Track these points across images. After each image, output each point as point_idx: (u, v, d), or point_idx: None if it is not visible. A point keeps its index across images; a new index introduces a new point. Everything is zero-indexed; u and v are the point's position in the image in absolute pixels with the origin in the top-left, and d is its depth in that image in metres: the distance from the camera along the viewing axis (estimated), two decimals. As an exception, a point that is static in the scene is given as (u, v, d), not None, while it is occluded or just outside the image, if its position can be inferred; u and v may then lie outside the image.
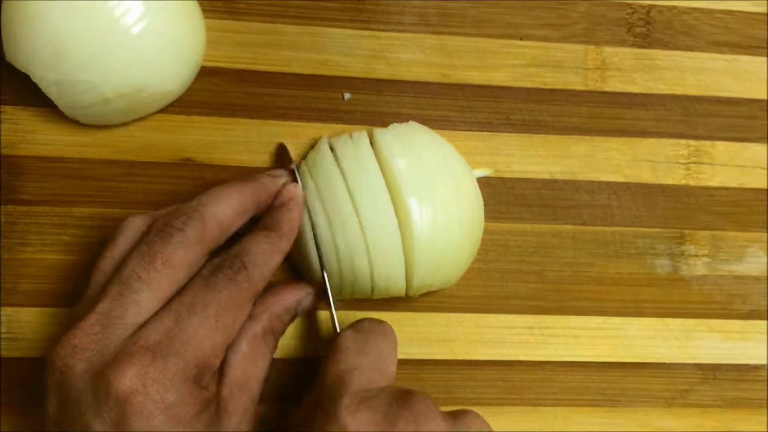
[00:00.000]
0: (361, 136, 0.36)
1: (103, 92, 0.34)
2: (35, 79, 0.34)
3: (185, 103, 0.38)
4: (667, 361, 0.39)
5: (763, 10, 0.43)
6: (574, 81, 0.41)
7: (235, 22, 0.39)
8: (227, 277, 0.30)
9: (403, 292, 0.35)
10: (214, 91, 0.38)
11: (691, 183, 0.41)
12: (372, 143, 0.36)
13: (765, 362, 0.40)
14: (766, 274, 0.41)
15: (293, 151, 0.38)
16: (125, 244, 0.31)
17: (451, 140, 0.40)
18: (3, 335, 0.35)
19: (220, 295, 0.29)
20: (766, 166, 0.42)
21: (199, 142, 0.38)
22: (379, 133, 0.36)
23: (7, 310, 0.36)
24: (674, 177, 0.41)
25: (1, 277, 0.36)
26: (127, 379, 0.27)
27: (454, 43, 0.41)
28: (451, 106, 0.40)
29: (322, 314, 0.37)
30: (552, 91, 0.41)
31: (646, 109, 0.42)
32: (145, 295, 0.29)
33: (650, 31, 0.42)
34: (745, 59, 0.43)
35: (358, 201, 0.34)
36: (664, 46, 0.42)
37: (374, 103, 0.40)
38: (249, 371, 0.31)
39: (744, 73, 0.43)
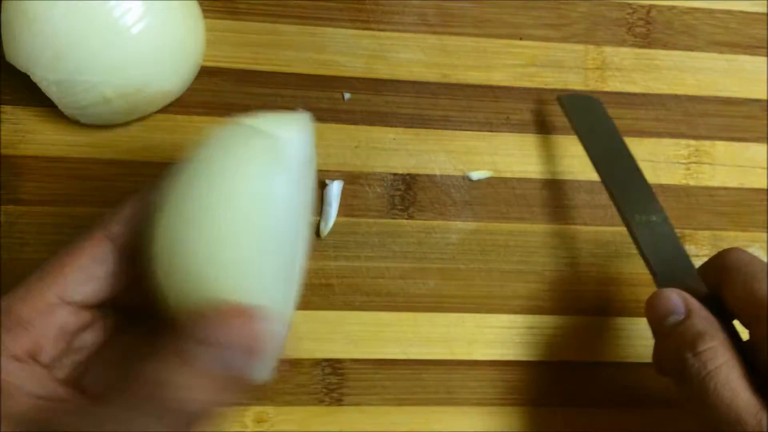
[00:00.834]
0: None
1: (103, 92, 0.34)
2: (35, 79, 0.34)
3: (185, 103, 0.38)
4: (667, 361, 0.39)
5: (763, 10, 0.43)
6: (574, 81, 0.41)
7: (235, 22, 0.39)
8: None
9: None
10: (214, 91, 0.38)
11: (691, 183, 0.41)
12: None
13: (765, 362, 0.40)
14: (766, 274, 0.41)
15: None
16: None
17: (451, 140, 0.40)
18: (3, 335, 0.35)
19: None
20: (766, 166, 0.42)
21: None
22: None
23: (7, 310, 0.36)
24: (674, 177, 0.41)
25: (1, 277, 0.36)
26: None
27: (454, 43, 0.41)
28: (451, 106, 0.40)
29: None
30: (552, 91, 0.41)
31: (646, 109, 0.42)
32: None
33: (650, 31, 0.42)
34: (745, 59, 0.43)
35: None
36: (664, 46, 0.42)
37: (374, 103, 0.40)
38: None
39: (744, 73, 0.43)
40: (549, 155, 0.40)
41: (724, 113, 0.42)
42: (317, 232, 0.38)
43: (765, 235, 0.41)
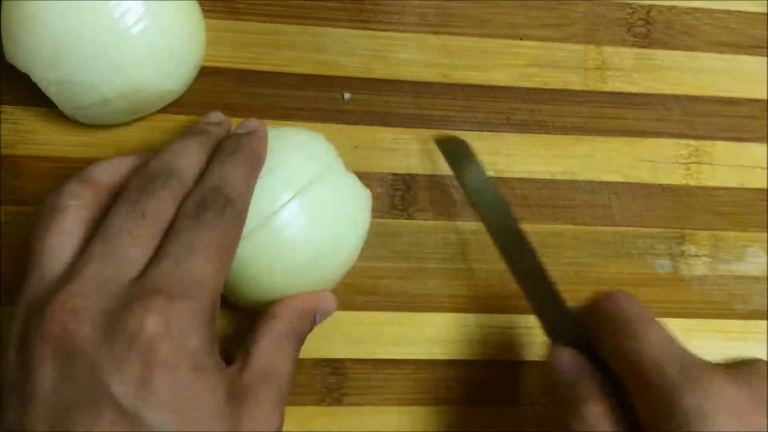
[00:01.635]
0: None
1: (103, 92, 0.34)
2: (35, 79, 0.34)
3: (185, 103, 0.38)
4: (667, 361, 0.39)
5: (763, 10, 0.43)
6: (574, 81, 0.41)
7: (235, 22, 0.39)
8: (217, 213, 0.28)
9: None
10: (214, 91, 0.38)
11: (691, 183, 0.41)
12: None
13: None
14: (766, 274, 0.41)
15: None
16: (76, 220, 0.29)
17: (451, 140, 0.40)
18: (3, 335, 0.35)
19: (217, 233, 0.27)
20: (766, 166, 0.42)
21: (199, 142, 0.38)
22: None
23: (8, 310, 0.36)
24: (674, 177, 0.41)
25: (1, 277, 0.36)
26: (149, 324, 0.24)
27: (454, 43, 0.41)
28: (451, 106, 0.40)
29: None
30: (552, 91, 0.41)
31: (646, 109, 0.42)
32: (136, 250, 0.27)
33: (650, 31, 0.42)
34: (745, 59, 0.43)
35: None
36: (664, 46, 0.42)
37: (374, 103, 0.40)
38: (274, 362, 0.29)
39: (744, 73, 0.43)
40: (549, 155, 0.40)
41: (724, 113, 0.42)
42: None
43: (765, 235, 0.41)
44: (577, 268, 0.39)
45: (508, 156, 0.40)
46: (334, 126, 0.39)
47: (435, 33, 0.41)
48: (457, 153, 0.35)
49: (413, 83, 0.40)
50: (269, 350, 0.30)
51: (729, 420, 0.25)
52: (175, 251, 0.27)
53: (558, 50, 0.41)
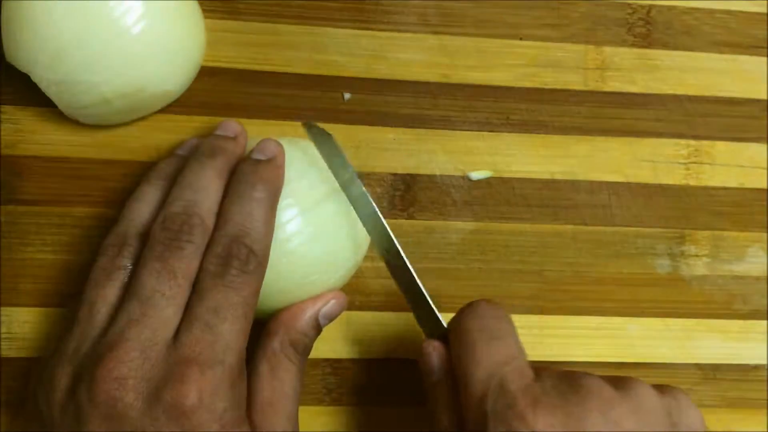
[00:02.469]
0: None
1: (103, 92, 0.34)
2: (35, 79, 0.34)
3: (185, 103, 0.38)
4: (667, 361, 0.39)
5: (763, 10, 0.43)
6: (574, 81, 0.41)
7: (235, 22, 0.39)
8: (240, 270, 0.30)
9: None
10: (214, 91, 0.38)
11: (691, 183, 0.41)
12: None
13: (765, 362, 0.40)
14: (766, 274, 0.41)
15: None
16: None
17: (451, 140, 0.40)
18: (3, 335, 0.35)
19: (242, 294, 0.30)
20: (766, 166, 0.42)
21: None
22: None
23: (7, 310, 0.36)
24: (674, 177, 0.41)
25: (1, 277, 0.36)
26: (187, 398, 0.27)
27: (454, 43, 0.41)
28: (451, 106, 0.40)
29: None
30: (552, 91, 0.41)
31: (646, 109, 0.42)
32: (170, 310, 0.29)
33: (650, 31, 0.42)
34: (745, 59, 0.43)
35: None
36: (664, 46, 0.42)
37: (374, 103, 0.40)
38: (276, 388, 0.31)
39: (744, 73, 0.43)
40: (549, 155, 0.40)
41: (724, 113, 0.42)
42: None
43: (765, 235, 0.41)
44: (577, 268, 0.39)
45: (508, 156, 0.40)
46: (334, 126, 0.39)
47: (435, 33, 0.41)
48: (325, 146, 0.35)
49: (413, 83, 0.40)
50: (269, 378, 0.31)
51: None
52: (206, 316, 0.29)
53: (558, 50, 0.41)
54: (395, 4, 0.41)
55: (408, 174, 0.39)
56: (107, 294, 0.30)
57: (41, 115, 0.37)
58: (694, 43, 0.43)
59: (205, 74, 0.38)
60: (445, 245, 0.39)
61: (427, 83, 0.40)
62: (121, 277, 0.30)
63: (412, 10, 0.41)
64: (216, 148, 0.33)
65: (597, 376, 0.29)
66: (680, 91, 0.42)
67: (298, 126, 0.39)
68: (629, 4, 0.43)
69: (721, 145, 0.42)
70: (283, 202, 0.33)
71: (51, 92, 0.34)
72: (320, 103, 0.39)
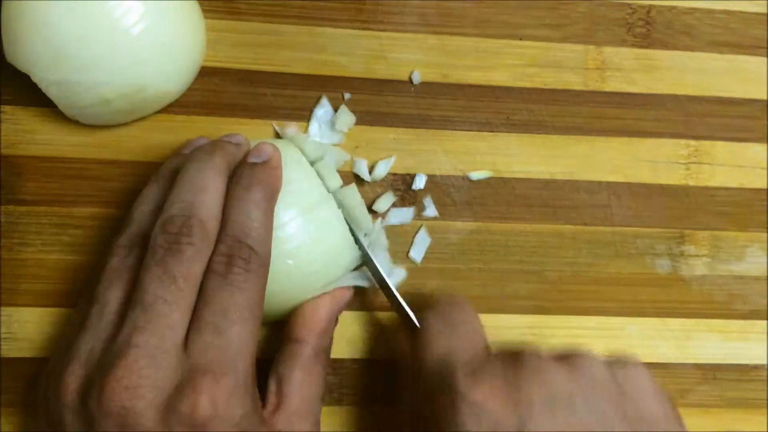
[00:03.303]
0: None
1: (103, 93, 0.34)
2: (35, 79, 0.34)
3: (185, 103, 0.38)
4: (667, 361, 0.39)
5: (763, 10, 0.43)
6: (574, 81, 0.41)
7: (235, 22, 0.39)
8: (244, 269, 0.30)
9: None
10: (214, 91, 0.38)
11: (691, 183, 0.41)
12: None
13: (765, 362, 0.40)
14: (766, 274, 0.41)
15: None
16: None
17: (450, 140, 0.40)
18: (3, 335, 0.35)
19: (247, 294, 0.30)
20: (766, 166, 0.42)
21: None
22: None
23: (7, 310, 0.36)
24: (674, 177, 0.41)
25: (1, 277, 0.36)
26: (200, 407, 0.27)
27: (454, 43, 0.41)
28: (451, 106, 0.40)
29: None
30: (552, 91, 0.41)
31: (646, 109, 0.42)
32: (175, 315, 0.29)
33: (650, 31, 0.42)
34: (745, 59, 0.43)
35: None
36: (664, 46, 0.42)
37: (374, 103, 0.40)
38: (306, 397, 0.32)
39: (744, 73, 0.43)
40: (549, 155, 0.40)
41: (724, 113, 0.42)
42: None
43: (765, 235, 0.41)
44: (577, 268, 0.39)
45: (508, 156, 0.40)
46: (334, 126, 0.39)
47: (435, 33, 0.41)
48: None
49: (413, 83, 0.40)
50: (302, 385, 0.32)
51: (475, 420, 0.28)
52: (214, 319, 0.29)
53: (558, 50, 0.41)
54: (395, 4, 0.41)
55: (408, 174, 0.39)
56: (118, 296, 0.30)
57: (41, 115, 0.37)
58: (694, 43, 0.43)
59: (205, 74, 0.38)
60: (445, 245, 0.39)
61: (427, 83, 0.40)
62: (130, 278, 0.30)
63: (412, 10, 0.41)
64: (215, 147, 0.33)
65: (543, 352, 0.30)
66: (680, 91, 0.42)
67: (298, 126, 0.39)
68: (629, 4, 0.43)
69: (721, 145, 0.42)
70: (283, 203, 0.33)
71: (51, 92, 0.34)
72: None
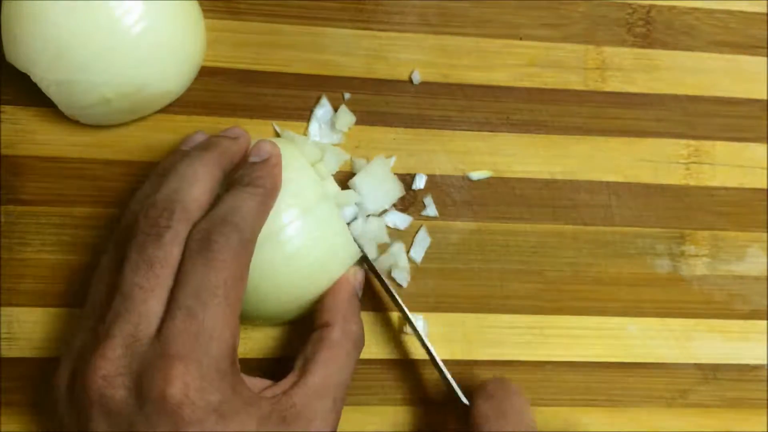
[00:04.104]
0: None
1: (103, 92, 0.34)
2: (35, 79, 0.34)
3: (185, 103, 0.38)
4: (667, 361, 0.39)
5: (763, 10, 0.43)
6: (574, 81, 0.41)
7: (235, 22, 0.39)
8: (222, 244, 0.29)
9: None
10: (214, 91, 0.38)
11: (691, 183, 0.41)
12: None
13: (765, 362, 0.40)
14: (766, 274, 0.41)
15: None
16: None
17: (450, 140, 0.40)
18: (3, 335, 0.35)
19: (223, 273, 0.29)
20: (766, 166, 0.42)
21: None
22: None
23: (7, 310, 0.36)
24: (674, 177, 0.41)
25: (1, 277, 0.36)
26: (171, 396, 0.27)
27: (454, 43, 0.41)
28: (451, 106, 0.40)
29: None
30: (552, 91, 0.41)
31: (646, 109, 0.42)
32: (152, 303, 0.28)
33: (650, 31, 0.42)
34: (745, 59, 0.43)
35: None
36: (664, 46, 0.42)
37: (374, 103, 0.40)
38: (328, 377, 0.31)
39: (744, 73, 0.43)
40: (549, 155, 0.40)
41: (724, 113, 0.42)
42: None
43: (765, 235, 0.41)
44: (577, 268, 0.39)
45: (508, 156, 0.40)
46: (334, 126, 0.39)
47: (435, 33, 0.41)
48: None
49: (413, 83, 0.40)
50: (326, 365, 0.31)
51: None
52: (186, 301, 0.28)
53: (558, 50, 0.41)
54: (395, 4, 0.41)
55: (408, 174, 0.39)
56: (102, 289, 0.30)
57: (41, 115, 0.37)
58: (694, 43, 0.43)
59: (205, 74, 0.38)
60: (445, 245, 0.39)
61: (427, 83, 0.40)
62: (115, 269, 0.30)
63: (412, 10, 0.41)
64: (210, 143, 0.33)
65: None
66: (680, 91, 0.42)
67: (298, 126, 0.39)
68: (629, 4, 0.43)
69: (721, 145, 0.42)
70: (284, 203, 0.33)
71: (51, 92, 0.34)
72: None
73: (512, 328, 0.38)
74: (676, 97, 0.42)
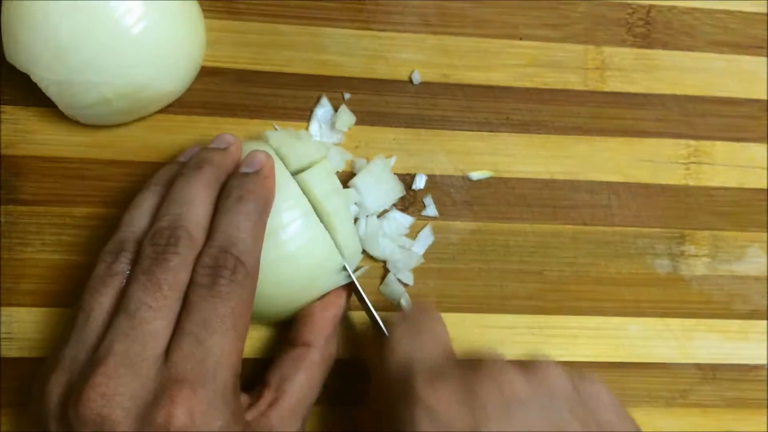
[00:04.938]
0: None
1: (103, 92, 0.34)
2: (35, 79, 0.34)
3: (185, 103, 0.38)
4: (667, 361, 0.39)
5: (763, 10, 0.43)
6: (574, 81, 0.41)
7: (235, 22, 0.39)
8: (229, 280, 0.29)
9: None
10: (214, 91, 0.38)
11: (691, 183, 0.41)
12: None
13: (765, 362, 0.40)
14: (766, 274, 0.41)
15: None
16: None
17: (450, 140, 0.40)
18: (3, 335, 0.35)
19: (230, 304, 0.29)
20: (766, 166, 0.42)
21: (199, 142, 0.38)
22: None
23: (7, 310, 0.36)
24: (674, 177, 0.41)
25: (1, 277, 0.36)
26: (177, 419, 0.27)
27: (454, 43, 0.41)
28: (451, 106, 0.40)
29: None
30: (552, 91, 0.41)
31: (646, 109, 0.42)
32: (159, 323, 0.28)
33: (650, 31, 0.42)
34: (745, 59, 0.43)
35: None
36: (664, 46, 0.42)
37: (374, 103, 0.40)
38: (303, 399, 0.32)
39: (744, 73, 0.43)
40: (549, 155, 0.40)
41: (724, 113, 0.42)
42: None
43: (765, 235, 0.41)
44: (577, 268, 0.39)
45: (508, 156, 0.40)
46: (334, 126, 0.39)
47: (435, 33, 0.41)
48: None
49: (413, 83, 0.40)
50: (303, 387, 0.32)
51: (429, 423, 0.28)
52: (195, 329, 0.28)
53: (558, 50, 0.41)
54: (395, 4, 0.41)
55: (408, 174, 0.39)
56: (103, 302, 0.30)
57: (41, 115, 0.37)
58: (694, 43, 0.43)
59: (205, 74, 0.38)
60: (445, 245, 0.39)
61: (427, 83, 0.40)
62: (116, 284, 0.30)
63: (412, 10, 0.41)
64: (202, 161, 0.33)
65: (503, 358, 0.30)
66: (680, 91, 0.42)
67: (298, 126, 0.39)
68: (629, 4, 0.43)
69: (720, 145, 0.42)
70: (284, 204, 0.33)
71: (51, 92, 0.34)
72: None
73: (512, 328, 0.39)
74: (676, 97, 0.42)
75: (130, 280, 0.29)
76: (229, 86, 0.39)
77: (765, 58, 0.43)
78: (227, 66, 0.39)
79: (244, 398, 0.31)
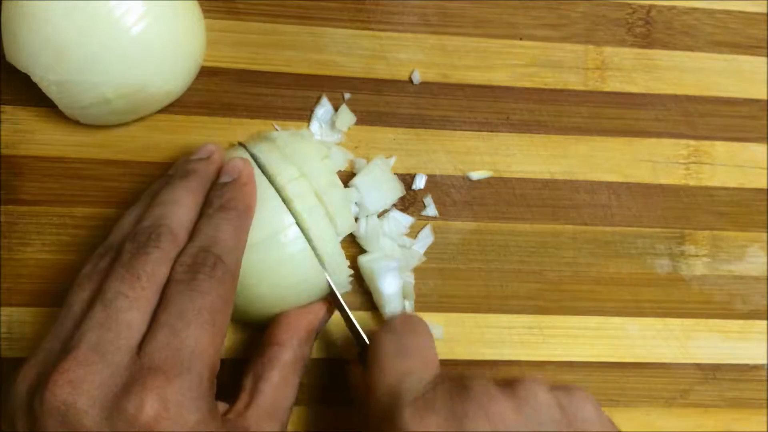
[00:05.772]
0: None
1: (103, 92, 0.34)
2: (35, 79, 0.34)
3: (185, 103, 0.38)
4: (667, 361, 0.39)
5: (763, 10, 0.44)
6: (574, 81, 0.41)
7: (235, 22, 0.39)
8: (208, 276, 0.29)
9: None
10: (214, 91, 0.38)
11: (691, 183, 0.41)
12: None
13: (765, 362, 0.40)
14: (766, 274, 0.41)
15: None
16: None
17: (450, 140, 0.40)
18: (3, 335, 0.35)
19: (209, 297, 0.29)
20: (766, 166, 0.42)
21: (199, 142, 0.37)
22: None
23: (7, 310, 0.36)
24: (674, 177, 0.41)
25: (1, 277, 0.36)
26: (148, 407, 0.26)
27: (454, 43, 0.41)
28: (451, 106, 0.40)
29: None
30: (552, 91, 0.41)
31: (646, 109, 0.42)
32: (135, 314, 0.28)
33: (650, 31, 0.42)
34: (745, 59, 0.43)
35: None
36: (664, 46, 0.42)
37: (374, 103, 0.40)
38: (279, 400, 0.31)
39: (744, 73, 0.43)
40: (549, 155, 0.40)
41: (724, 113, 0.42)
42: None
43: (765, 235, 0.41)
44: (576, 268, 0.40)
45: (508, 156, 0.40)
46: (334, 126, 0.39)
47: (435, 33, 0.41)
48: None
49: (413, 83, 0.40)
50: (277, 386, 0.32)
51: None
52: (170, 320, 0.28)
53: (558, 50, 0.41)
54: (395, 4, 0.41)
55: (408, 174, 0.39)
56: (83, 297, 0.29)
57: (41, 115, 0.37)
58: (694, 43, 0.43)
59: (205, 74, 0.38)
60: (445, 245, 0.39)
61: (427, 83, 0.40)
62: (99, 279, 0.30)
63: (412, 10, 0.41)
64: (188, 171, 0.33)
65: (487, 379, 0.30)
66: (680, 91, 0.42)
67: (298, 126, 0.39)
68: (629, 4, 0.43)
69: (720, 145, 0.42)
70: (284, 208, 0.33)
71: (51, 92, 0.34)
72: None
73: (512, 328, 0.39)
74: (675, 97, 0.42)
75: (109, 274, 0.29)
76: (229, 86, 0.39)
77: (765, 58, 0.43)
78: (227, 66, 0.39)
79: (222, 406, 0.30)
